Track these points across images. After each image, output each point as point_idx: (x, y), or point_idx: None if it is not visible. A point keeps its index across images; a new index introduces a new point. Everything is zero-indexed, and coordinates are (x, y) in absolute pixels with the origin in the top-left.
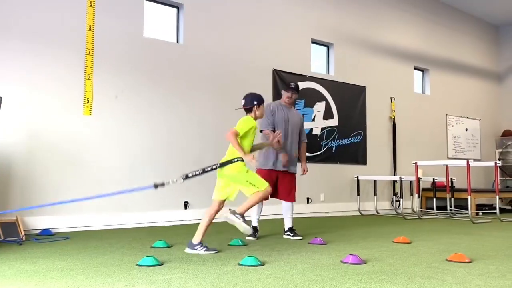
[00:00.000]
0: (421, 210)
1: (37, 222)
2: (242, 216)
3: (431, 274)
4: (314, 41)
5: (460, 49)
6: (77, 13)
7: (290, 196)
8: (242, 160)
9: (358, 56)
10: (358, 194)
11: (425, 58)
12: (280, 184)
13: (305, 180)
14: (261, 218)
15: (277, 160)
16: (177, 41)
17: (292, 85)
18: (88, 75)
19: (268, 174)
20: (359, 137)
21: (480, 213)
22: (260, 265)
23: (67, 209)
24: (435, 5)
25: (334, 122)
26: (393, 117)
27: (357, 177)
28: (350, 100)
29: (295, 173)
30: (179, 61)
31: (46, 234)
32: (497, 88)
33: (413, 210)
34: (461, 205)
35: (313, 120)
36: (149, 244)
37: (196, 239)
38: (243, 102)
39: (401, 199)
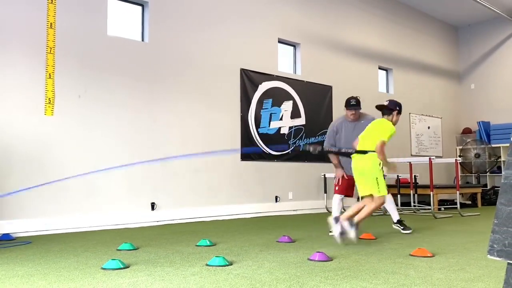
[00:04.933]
0: None
1: None
2: (357, 226)
3: (395, 269)
4: (281, 41)
5: (422, 49)
6: (37, 9)
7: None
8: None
9: (324, 56)
10: (325, 192)
11: (389, 58)
12: None
13: (273, 179)
14: (232, 217)
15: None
16: (142, 40)
17: (353, 102)
18: (49, 74)
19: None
20: (325, 135)
21: (442, 208)
22: (228, 265)
23: (28, 212)
24: (398, 7)
25: (301, 121)
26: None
27: (324, 175)
28: (317, 99)
29: None
30: (144, 60)
31: (6, 239)
32: (457, 87)
33: None
34: (424, 201)
35: (281, 119)
36: (114, 246)
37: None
38: (386, 102)
39: None
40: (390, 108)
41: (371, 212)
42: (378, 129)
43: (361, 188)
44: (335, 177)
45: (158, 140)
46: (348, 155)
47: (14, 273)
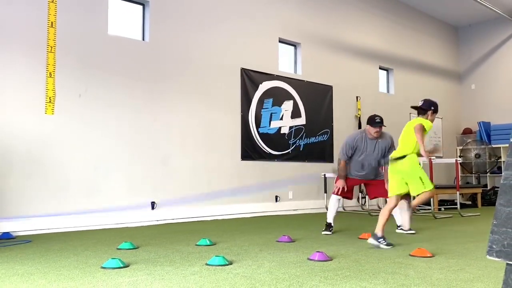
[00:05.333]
0: None
1: None
2: (413, 210)
3: (395, 269)
4: (281, 41)
5: (423, 49)
6: (38, 9)
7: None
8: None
9: (324, 56)
10: (325, 192)
11: (389, 58)
12: (378, 187)
13: (273, 178)
14: (232, 216)
15: (364, 172)
16: (143, 39)
17: (378, 120)
18: (50, 73)
19: (352, 180)
20: (326, 135)
21: (442, 209)
22: (227, 265)
23: (28, 211)
24: (399, 7)
25: (301, 121)
26: (359, 116)
27: (324, 175)
28: (317, 99)
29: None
30: (145, 59)
31: (6, 237)
32: (457, 87)
33: (378, 206)
34: None
35: (281, 119)
36: (114, 245)
37: (379, 232)
38: (421, 103)
39: (366, 196)
40: (424, 108)
41: (425, 200)
42: (416, 122)
43: (396, 188)
44: (335, 185)
45: (158, 139)
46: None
47: (14, 271)
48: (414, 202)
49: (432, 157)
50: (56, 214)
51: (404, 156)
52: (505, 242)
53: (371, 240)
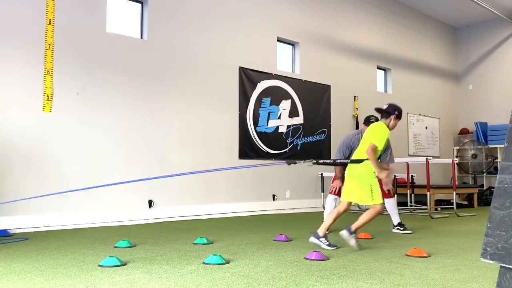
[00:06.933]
0: None
1: None
2: (355, 233)
3: (391, 269)
4: (280, 40)
5: (421, 49)
6: (36, 6)
7: (387, 194)
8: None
9: (323, 55)
10: (323, 191)
11: (387, 58)
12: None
13: (271, 177)
14: (230, 215)
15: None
16: (141, 37)
17: (373, 120)
18: (48, 71)
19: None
20: (323, 135)
21: (439, 209)
22: (224, 263)
23: (25, 208)
24: (398, 7)
25: (299, 120)
26: (356, 115)
27: (322, 174)
28: (315, 98)
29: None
30: (143, 57)
31: (3, 235)
32: (455, 87)
33: None
34: (421, 200)
35: (279, 118)
36: (112, 244)
37: (321, 231)
38: (385, 106)
39: None
40: (388, 112)
41: (368, 220)
42: (372, 133)
43: (348, 194)
44: (332, 184)
45: (156, 137)
46: (344, 165)
47: (11, 269)
48: (357, 223)
49: (385, 176)
50: (53, 212)
51: (362, 161)
52: (499, 245)
53: (313, 239)
